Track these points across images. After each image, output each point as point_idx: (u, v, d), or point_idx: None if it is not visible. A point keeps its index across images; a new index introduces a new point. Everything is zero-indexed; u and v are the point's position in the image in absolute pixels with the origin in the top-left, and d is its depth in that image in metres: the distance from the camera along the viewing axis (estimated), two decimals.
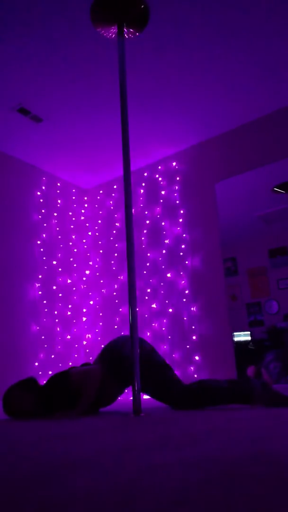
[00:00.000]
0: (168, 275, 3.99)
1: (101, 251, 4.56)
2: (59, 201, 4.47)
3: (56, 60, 2.93)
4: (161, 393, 2.24)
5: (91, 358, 4.26)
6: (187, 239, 3.95)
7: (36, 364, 3.79)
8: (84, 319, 4.41)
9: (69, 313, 4.26)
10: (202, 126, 3.82)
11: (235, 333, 5.92)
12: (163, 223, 4.14)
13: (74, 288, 4.40)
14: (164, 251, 4.07)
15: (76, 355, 4.19)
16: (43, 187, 4.33)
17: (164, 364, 2.33)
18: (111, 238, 4.52)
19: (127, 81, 2.80)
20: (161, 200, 4.21)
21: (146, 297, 4.06)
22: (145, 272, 4.12)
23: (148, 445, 1.13)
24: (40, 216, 4.22)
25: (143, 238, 4.23)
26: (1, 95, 3.23)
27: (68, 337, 4.18)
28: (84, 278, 4.54)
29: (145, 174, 4.38)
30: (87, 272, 4.58)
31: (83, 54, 2.88)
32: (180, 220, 4.03)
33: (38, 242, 4.14)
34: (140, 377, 2.12)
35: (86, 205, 4.80)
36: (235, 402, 2.10)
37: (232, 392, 2.12)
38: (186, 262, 3.90)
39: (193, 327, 3.73)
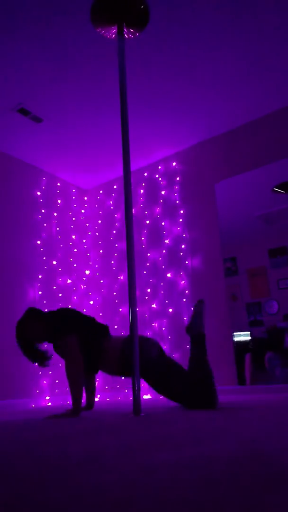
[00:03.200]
0: (168, 275, 3.99)
1: (101, 251, 4.56)
2: (59, 201, 4.47)
3: (56, 60, 2.93)
4: (176, 396, 2.27)
5: None
6: (187, 239, 3.95)
7: (36, 364, 3.79)
8: None
9: None
10: (202, 126, 3.83)
11: (235, 333, 5.91)
12: (163, 223, 4.14)
13: (74, 288, 4.39)
14: (164, 251, 4.07)
15: None
16: (43, 187, 4.33)
17: (172, 366, 2.34)
18: (111, 238, 4.52)
19: (127, 81, 2.80)
20: (161, 200, 4.20)
21: (146, 297, 4.06)
22: (145, 272, 4.12)
23: (148, 445, 1.13)
24: (40, 216, 4.22)
25: (143, 238, 4.23)
26: (1, 95, 3.23)
27: None
28: (84, 278, 4.54)
29: (145, 174, 4.38)
30: (87, 272, 4.58)
31: (83, 54, 2.88)
32: (180, 220, 4.03)
33: (38, 242, 4.14)
34: (153, 382, 2.18)
35: (86, 205, 4.80)
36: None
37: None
38: (186, 262, 3.90)
39: None
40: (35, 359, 2.43)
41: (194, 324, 2.35)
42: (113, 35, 2.65)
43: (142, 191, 4.36)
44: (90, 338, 2.39)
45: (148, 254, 4.15)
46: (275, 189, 4.83)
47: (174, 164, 4.20)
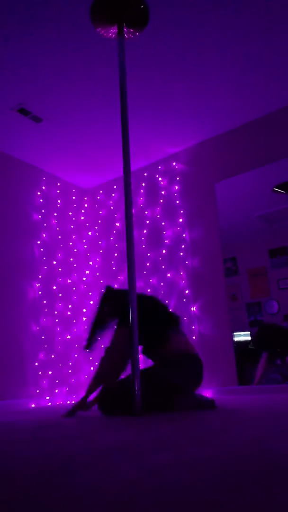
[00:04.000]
0: (168, 275, 3.98)
1: (101, 251, 4.56)
2: (59, 201, 4.47)
3: (56, 60, 2.93)
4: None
5: (91, 358, 4.25)
6: (187, 239, 3.95)
7: (36, 364, 3.79)
8: (84, 319, 4.41)
9: (69, 313, 4.26)
10: (202, 126, 3.82)
11: (235, 333, 5.91)
12: (163, 223, 4.14)
13: (74, 288, 4.39)
14: (164, 251, 4.07)
15: (76, 355, 4.19)
16: (43, 187, 4.33)
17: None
18: (111, 238, 4.51)
19: (127, 81, 2.80)
20: (161, 200, 4.20)
21: None
22: (145, 272, 4.12)
23: (148, 445, 1.13)
24: (40, 216, 4.22)
25: (143, 238, 4.23)
26: (1, 95, 3.23)
27: (68, 337, 4.18)
28: (84, 278, 4.54)
29: (145, 174, 4.38)
30: (87, 272, 4.58)
31: (83, 54, 2.88)
32: (180, 220, 4.03)
33: (38, 242, 4.14)
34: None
35: (86, 205, 4.80)
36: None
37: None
38: (186, 262, 3.90)
39: (193, 327, 3.73)
40: (93, 334, 2.51)
41: (194, 395, 2.25)
42: (113, 35, 2.65)
43: (142, 191, 4.36)
44: (155, 330, 2.34)
45: (148, 254, 4.15)
46: (275, 189, 4.83)
47: (174, 164, 4.20)
